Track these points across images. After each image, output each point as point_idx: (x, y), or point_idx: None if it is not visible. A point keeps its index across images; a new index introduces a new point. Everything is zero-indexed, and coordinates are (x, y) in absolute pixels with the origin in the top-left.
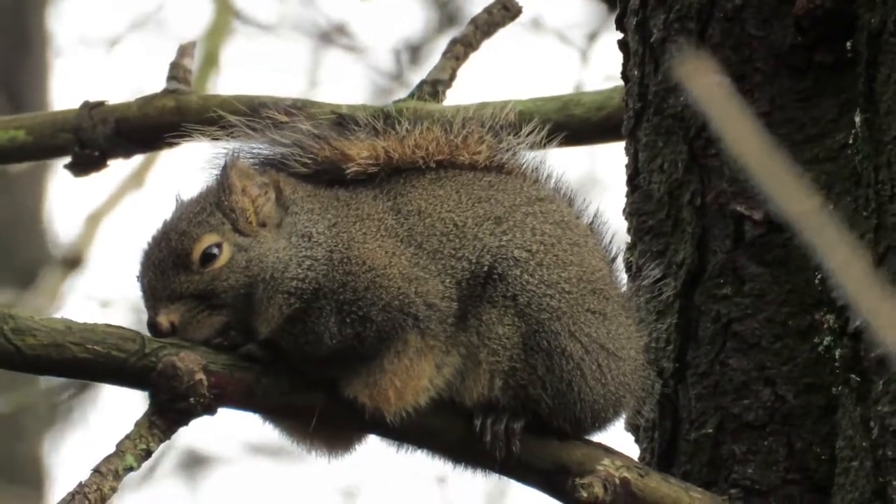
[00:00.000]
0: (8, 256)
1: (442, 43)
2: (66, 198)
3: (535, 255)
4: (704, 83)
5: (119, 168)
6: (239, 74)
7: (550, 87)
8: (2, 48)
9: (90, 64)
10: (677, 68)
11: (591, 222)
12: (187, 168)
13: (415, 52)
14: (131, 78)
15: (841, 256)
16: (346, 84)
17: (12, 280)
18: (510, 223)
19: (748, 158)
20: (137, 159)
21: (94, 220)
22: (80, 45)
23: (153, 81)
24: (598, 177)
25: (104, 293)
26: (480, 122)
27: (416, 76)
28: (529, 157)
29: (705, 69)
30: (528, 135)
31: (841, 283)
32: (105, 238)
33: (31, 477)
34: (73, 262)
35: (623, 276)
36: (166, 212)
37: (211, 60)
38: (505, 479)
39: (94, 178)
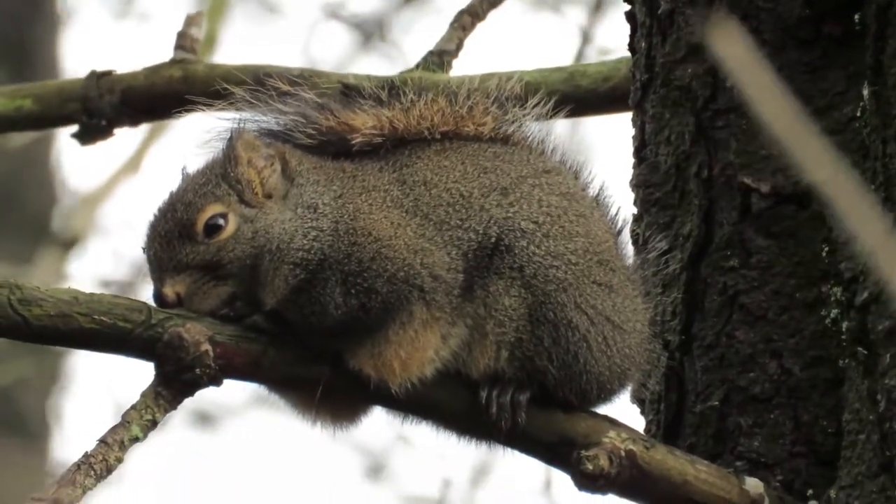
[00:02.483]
0: (17, 206)
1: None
2: (73, 148)
3: (541, 227)
4: (732, 48)
5: (124, 139)
6: (238, 50)
7: (556, 58)
8: (11, 12)
9: (100, 28)
10: (704, 33)
11: (598, 195)
12: (187, 147)
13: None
14: (140, 43)
15: (864, 220)
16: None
17: (22, 230)
18: (517, 194)
19: (775, 123)
20: (137, 139)
21: (92, 201)
22: (89, 8)
23: (162, 48)
24: (602, 148)
25: (103, 272)
26: (485, 93)
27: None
28: (535, 128)
29: (733, 34)
30: (533, 106)
31: (862, 246)
32: (103, 218)
33: (35, 430)
34: (70, 242)
35: (629, 249)
36: (173, 184)
37: (210, 36)
38: (509, 450)
39: (101, 143)
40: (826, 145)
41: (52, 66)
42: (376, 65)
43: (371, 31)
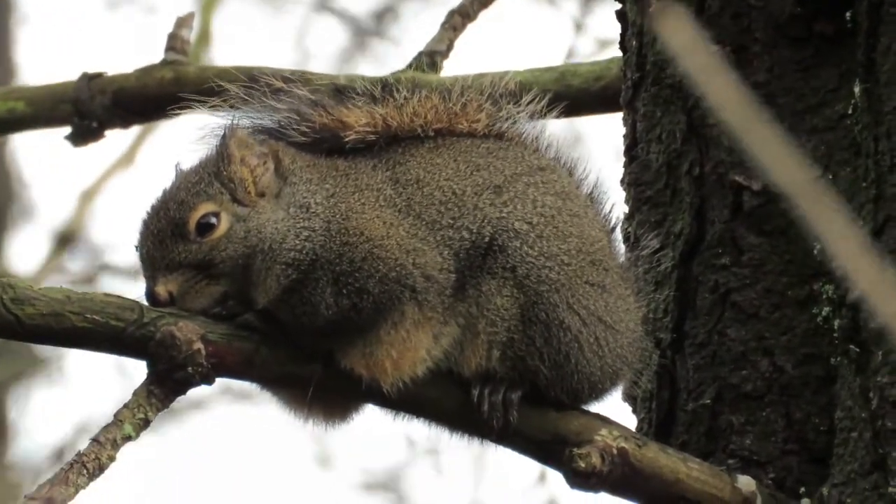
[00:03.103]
0: None
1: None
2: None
3: (535, 227)
4: (683, 39)
5: (112, 141)
6: (231, 49)
7: (546, 59)
8: None
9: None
10: (657, 22)
11: (592, 191)
12: (180, 145)
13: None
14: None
15: (837, 227)
16: (336, 54)
17: None
18: (511, 193)
19: (734, 123)
20: (131, 135)
21: (86, 198)
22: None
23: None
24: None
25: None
26: (479, 90)
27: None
28: (529, 126)
29: (684, 25)
30: (528, 104)
31: (836, 255)
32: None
33: None
34: (65, 238)
35: (622, 247)
36: (165, 182)
37: (203, 34)
38: (501, 448)
39: (92, 145)
40: (778, 135)
41: (9, 66)
42: (369, 62)
43: (364, 27)
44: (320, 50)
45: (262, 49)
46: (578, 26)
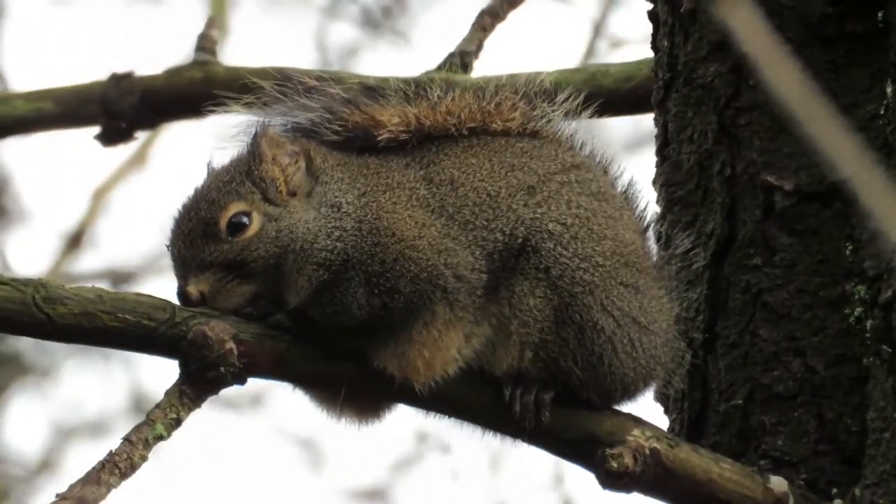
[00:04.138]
0: None
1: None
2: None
3: (569, 229)
4: (747, 25)
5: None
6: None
7: (574, 59)
8: None
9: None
10: (719, 9)
11: (626, 189)
12: (193, 144)
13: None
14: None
15: (890, 213)
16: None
17: None
18: (544, 194)
19: (794, 109)
20: (142, 136)
21: (98, 197)
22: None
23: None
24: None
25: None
26: (513, 88)
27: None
28: (564, 124)
29: (747, 11)
30: (562, 102)
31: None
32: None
33: None
34: (75, 239)
35: (654, 246)
36: (197, 181)
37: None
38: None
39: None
40: (849, 135)
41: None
42: (388, 58)
43: (380, 23)
44: (331, 49)
45: (278, 49)
46: (597, 27)
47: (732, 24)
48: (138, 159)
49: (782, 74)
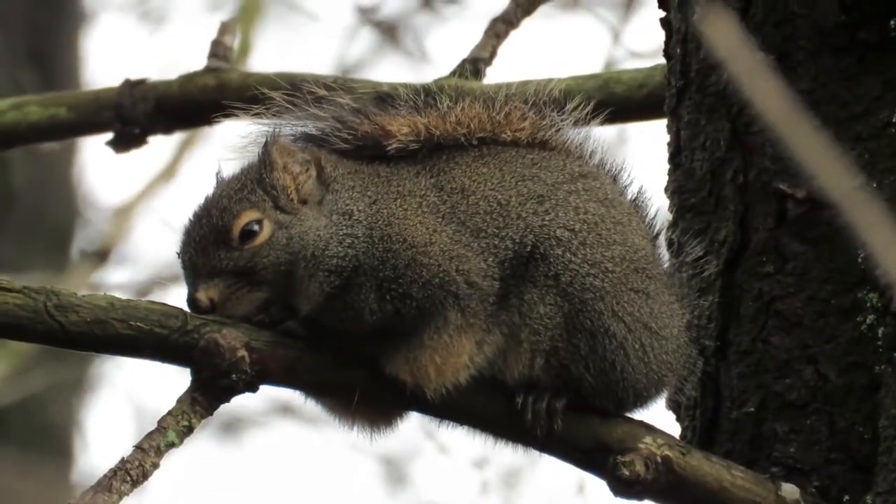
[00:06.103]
0: (39, 219)
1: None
2: (96, 158)
3: (577, 235)
4: (729, 42)
5: (159, 146)
6: (270, 57)
7: (587, 66)
8: (33, 19)
9: (122, 33)
10: (703, 26)
11: (635, 198)
12: (221, 154)
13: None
14: (164, 48)
15: (882, 235)
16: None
17: (44, 242)
18: (553, 202)
19: (779, 127)
20: (170, 151)
21: (124, 213)
22: (111, 14)
23: (188, 53)
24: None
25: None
26: (523, 98)
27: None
28: (573, 133)
29: (730, 29)
30: (572, 111)
31: (882, 263)
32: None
33: (61, 444)
34: (102, 254)
35: (665, 253)
36: (208, 189)
37: (244, 43)
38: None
39: (135, 151)
40: (823, 140)
41: (74, 73)
42: (404, 68)
43: (397, 33)
44: (357, 59)
45: (299, 59)
46: (616, 34)
47: (715, 41)
48: (168, 173)
49: (766, 92)
